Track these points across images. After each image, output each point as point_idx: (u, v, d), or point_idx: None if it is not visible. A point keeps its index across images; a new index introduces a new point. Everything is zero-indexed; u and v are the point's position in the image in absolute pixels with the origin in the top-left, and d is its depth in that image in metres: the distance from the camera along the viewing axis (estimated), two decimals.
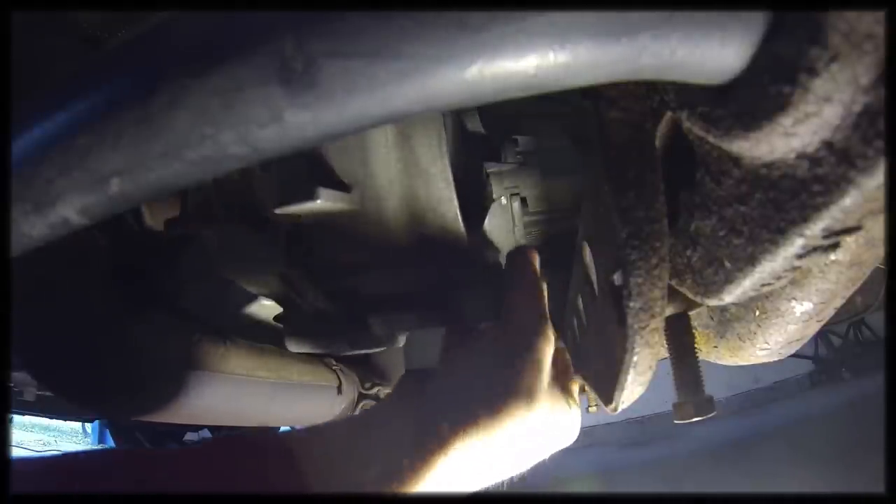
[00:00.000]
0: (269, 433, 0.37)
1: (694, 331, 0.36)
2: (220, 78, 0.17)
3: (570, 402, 0.42)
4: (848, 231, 0.22)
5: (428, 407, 0.38)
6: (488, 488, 0.39)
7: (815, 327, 0.33)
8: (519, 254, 0.46)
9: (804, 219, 0.21)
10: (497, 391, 0.37)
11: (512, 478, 0.41)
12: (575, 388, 0.44)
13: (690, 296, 0.30)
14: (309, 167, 0.45)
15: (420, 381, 0.41)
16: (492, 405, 0.36)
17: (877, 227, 0.22)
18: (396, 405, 0.40)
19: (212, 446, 0.36)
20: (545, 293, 0.44)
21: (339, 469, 0.34)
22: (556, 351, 0.43)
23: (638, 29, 0.18)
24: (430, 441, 0.35)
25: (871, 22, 0.17)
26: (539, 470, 0.42)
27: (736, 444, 2.33)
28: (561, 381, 0.42)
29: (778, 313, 0.32)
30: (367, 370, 0.92)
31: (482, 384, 0.38)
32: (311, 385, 0.81)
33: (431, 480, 0.34)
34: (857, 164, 0.19)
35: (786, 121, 0.19)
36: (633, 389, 0.33)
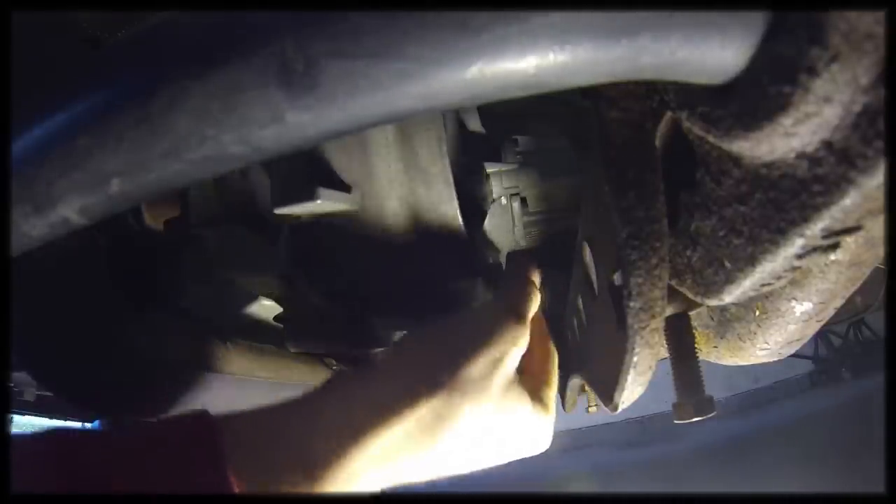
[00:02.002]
0: (204, 420, 0.32)
1: (694, 331, 0.36)
2: (221, 79, 0.17)
3: (540, 408, 0.40)
4: (848, 231, 0.22)
5: (351, 391, 0.35)
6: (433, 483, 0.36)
7: (815, 327, 0.33)
8: (518, 255, 0.46)
9: (804, 219, 0.21)
10: (433, 377, 0.35)
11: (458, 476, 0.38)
12: (550, 395, 0.42)
13: (690, 296, 0.30)
14: (309, 167, 0.45)
15: (358, 368, 0.38)
16: (430, 386, 0.34)
17: (877, 227, 0.22)
18: (324, 391, 0.37)
19: (150, 431, 0.32)
20: (537, 296, 0.43)
21: (260, 458, 0.31)
22: (537, 355, 0.42)
23: (638, 29, 0.18)
24: (343, 430, 0.33)
25: (871, 22, 0.17)
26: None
27: (736, 444, 2.32)
28: (532, 385, 0.40)
29: (778, 313, 0.32)
30: None
31: (418, 369, 0.35)
32: (311, 385, 0.81)
33: (347, 470, 0.32)
34: (856, 164, 0.19)
35: (786, 121, 0.19)
36: (633, 389, 0.33)
